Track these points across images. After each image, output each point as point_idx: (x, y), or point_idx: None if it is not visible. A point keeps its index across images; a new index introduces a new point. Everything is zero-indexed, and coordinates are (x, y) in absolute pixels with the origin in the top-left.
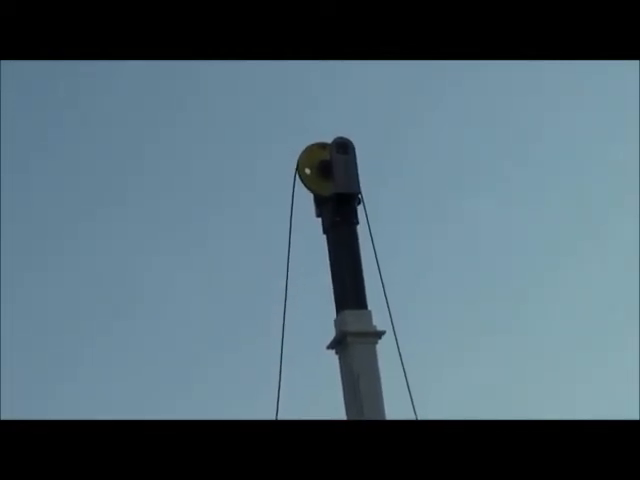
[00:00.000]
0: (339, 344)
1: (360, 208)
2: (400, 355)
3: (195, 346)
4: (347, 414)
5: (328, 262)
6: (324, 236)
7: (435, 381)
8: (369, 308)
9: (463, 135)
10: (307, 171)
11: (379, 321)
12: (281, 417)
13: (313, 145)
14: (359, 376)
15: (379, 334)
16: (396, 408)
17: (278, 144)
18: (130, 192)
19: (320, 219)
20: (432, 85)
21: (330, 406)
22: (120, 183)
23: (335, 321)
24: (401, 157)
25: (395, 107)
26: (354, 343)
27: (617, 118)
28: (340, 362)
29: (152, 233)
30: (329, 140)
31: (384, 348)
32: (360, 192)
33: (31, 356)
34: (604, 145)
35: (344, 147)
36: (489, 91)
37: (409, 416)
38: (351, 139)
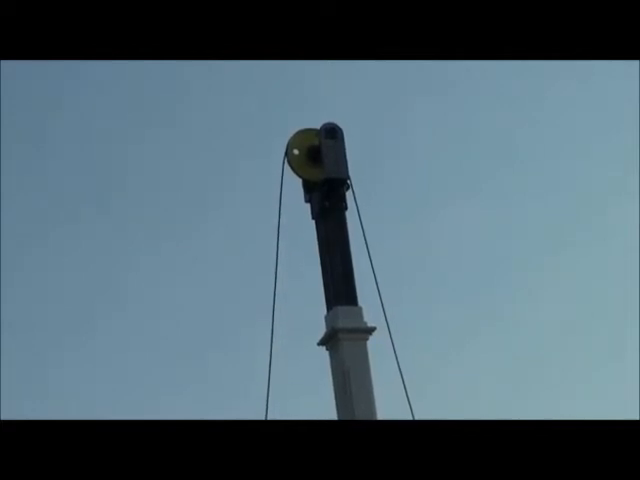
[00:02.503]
0: (330, 340)
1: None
2: (394, 350)
3: (183, 344)
4: (338, 410)
5: (317, 248)
6: (313, 222)
7: (426, 379)
8: (360, 304)
9: (458, 132)
10: (295, 152)
11: (369, 318)
12: (271, 414)
13: (302, 130)
14: (349, 372)
15: (370, 330)
16: (387, 404)
17: (263, 140)
18: (118, 191)
19: (309, 205)
20: (424, 84)
21: (321, 402)
22: (108, 182)
23: (326, 317)
24: (390, 150)
25: (386, 105)
26: (345, 339)
27: (615, 118)
28: (331, 358)
29: (139, 232)
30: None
31: (375, 345)
32: (349, 177)
33: (18, 356)
34: (598, 146)
35: (333, 132)
36: (483, 90)
37: (401, 413)
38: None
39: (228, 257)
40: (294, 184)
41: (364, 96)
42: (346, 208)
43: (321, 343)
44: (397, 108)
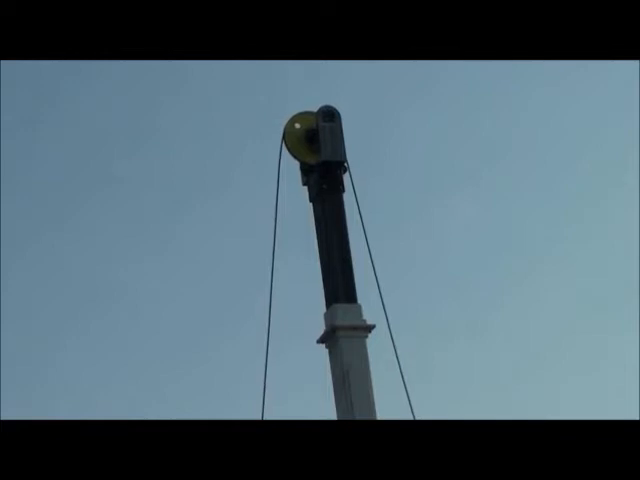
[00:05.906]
0: (329, 338)
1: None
2: (394, 347)
3: (179, 342)
4: (337, 408)
5: (315, 237)
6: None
7: (425, 377)
8: (359, 301)
9: (454, 129)
10: (297, 125)
11: (368, 316)
12: (270, 411)
13: (300, 112)
14: (349, 370)
15: (369, 328)
16: (387, 402)
17: (263, 139)
18: (117, 188)
19: (306, 188)
20: (423, 83)
21: (320, 400)
22: (108, 181)
23: (325, 315)
24: (388, 145)
25: (385, 104)
26: (344, 337)
27: (615, 118)
28: (330, 356)
29: (134, 229)
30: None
31: (375, 343)
32: (346, 160)
33: (18, 355)
34: (598, 146)
35: (330, 115)
36: (483, 90)
37: (401, 411)
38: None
39: (227, 256)
40: (292, 174)
41: (363, 95)
42: (343, 190)
43: (320, 341)
44: (396, 107)
